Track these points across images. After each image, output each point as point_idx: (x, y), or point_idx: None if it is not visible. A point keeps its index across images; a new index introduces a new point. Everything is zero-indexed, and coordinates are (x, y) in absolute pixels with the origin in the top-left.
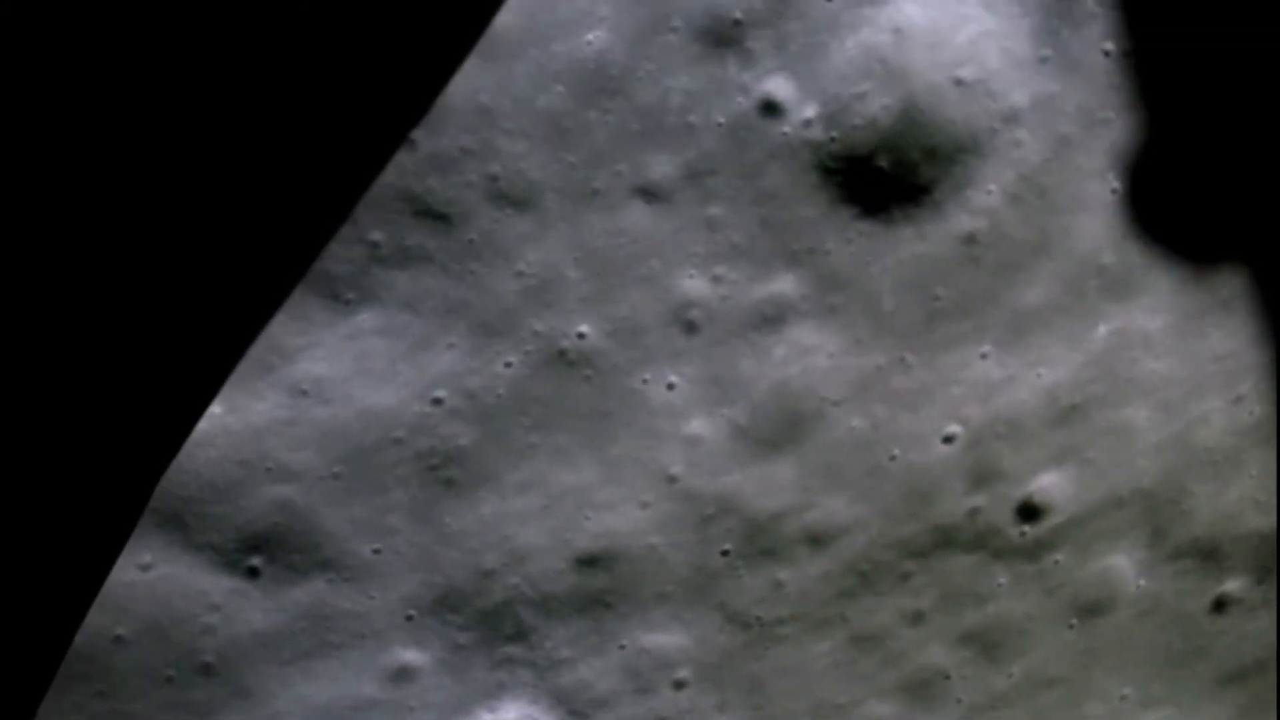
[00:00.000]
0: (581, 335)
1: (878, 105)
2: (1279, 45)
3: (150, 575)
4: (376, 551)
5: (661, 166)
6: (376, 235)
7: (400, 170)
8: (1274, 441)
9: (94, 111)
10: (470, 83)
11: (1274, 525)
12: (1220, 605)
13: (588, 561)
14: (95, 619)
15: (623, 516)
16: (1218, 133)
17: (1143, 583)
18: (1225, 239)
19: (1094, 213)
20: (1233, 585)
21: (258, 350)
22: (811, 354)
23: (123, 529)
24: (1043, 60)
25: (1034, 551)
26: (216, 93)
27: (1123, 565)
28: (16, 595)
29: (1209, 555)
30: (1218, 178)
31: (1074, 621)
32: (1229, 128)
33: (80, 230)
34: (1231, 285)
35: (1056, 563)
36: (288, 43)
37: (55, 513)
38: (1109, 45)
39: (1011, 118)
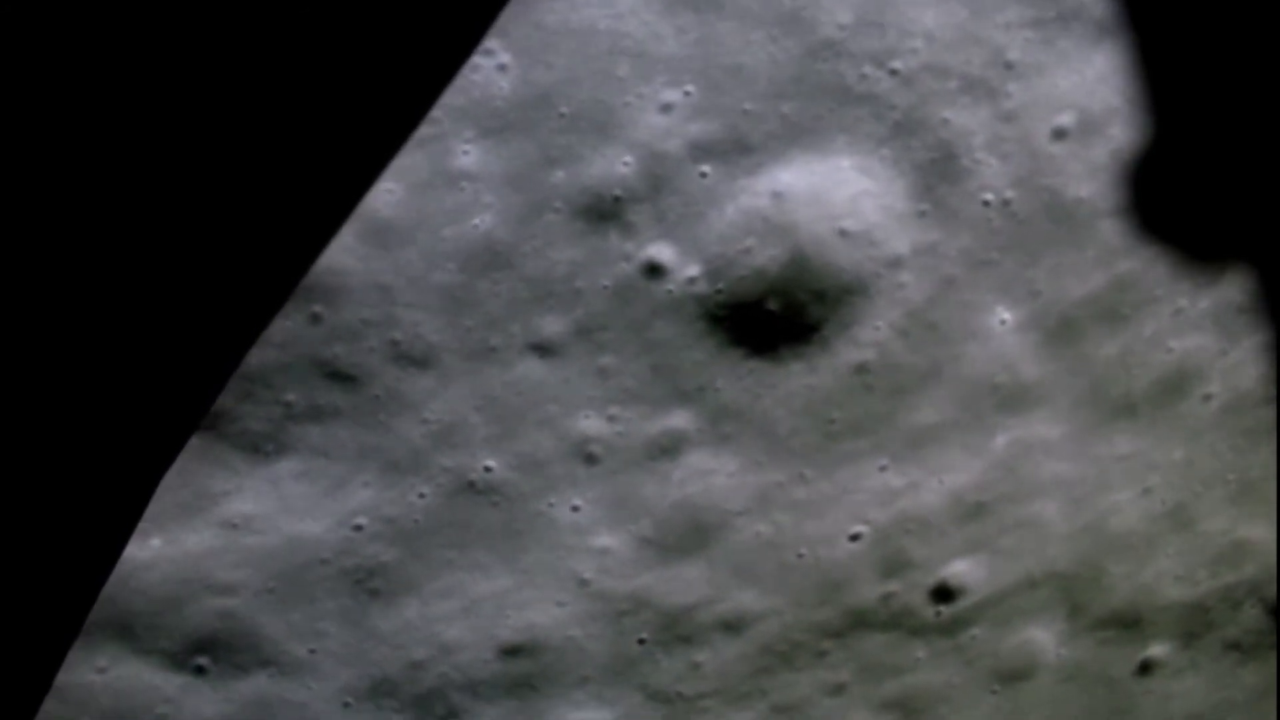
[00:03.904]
0: (488, 469)
1: (765, 256)
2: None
3: (107, 676)
4: (312, 651)
5: (552, 325)
6: (290, 396)
7: (309, 340)
8: (1190, 526)
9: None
10: (367, 266)
11: (1197, 596)
12: (1146, 668)
13: (511, 651)
14: (59, 712)
15: (541, 613)
16: (1224, 136)
17: (1063, 652)
18: (1232, 241)
19: (983, 341)
20: (1158, 650)
21: (187, 497)
22: (710, 475)
23: (59, 646)
24: (921, 214)
25: (950, 628)
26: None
27: (1042, 637)
28: None
29: (1130, 625)
30: (1224, 180)
31: (996, 688)
32: (1235, 131)
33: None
34: (1135, 390)
35: (974, 637)
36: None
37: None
38: (988, 196)
39: (895, 263)
